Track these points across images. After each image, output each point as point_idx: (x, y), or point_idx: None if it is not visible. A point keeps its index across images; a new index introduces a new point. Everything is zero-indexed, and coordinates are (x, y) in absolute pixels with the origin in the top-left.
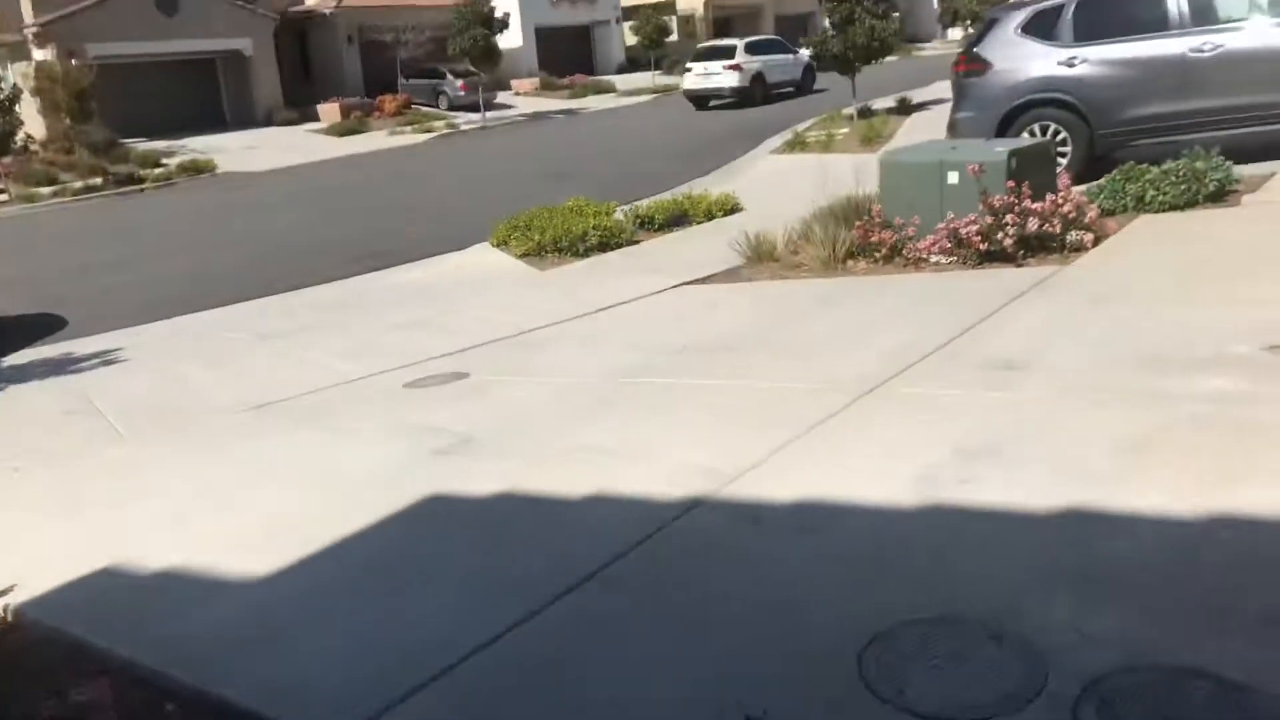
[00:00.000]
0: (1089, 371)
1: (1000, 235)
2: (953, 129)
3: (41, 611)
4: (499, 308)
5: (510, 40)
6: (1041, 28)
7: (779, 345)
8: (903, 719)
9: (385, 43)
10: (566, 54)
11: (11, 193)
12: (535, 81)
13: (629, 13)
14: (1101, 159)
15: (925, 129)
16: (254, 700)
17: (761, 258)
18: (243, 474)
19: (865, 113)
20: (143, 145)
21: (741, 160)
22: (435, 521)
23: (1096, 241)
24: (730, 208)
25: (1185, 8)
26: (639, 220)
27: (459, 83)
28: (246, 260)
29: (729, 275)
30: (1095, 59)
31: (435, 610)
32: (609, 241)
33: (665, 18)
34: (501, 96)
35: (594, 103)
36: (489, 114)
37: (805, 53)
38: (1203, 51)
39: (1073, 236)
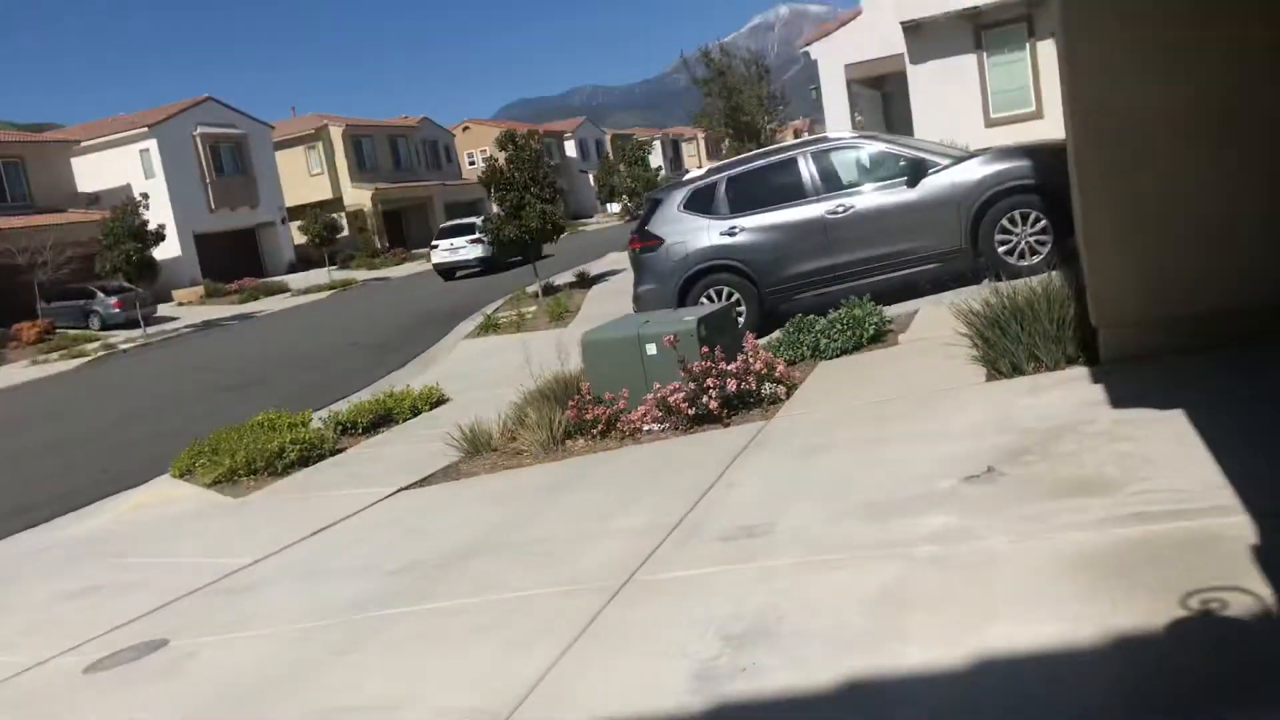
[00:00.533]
0: (823, 528)
1: (705, 399)
2: (638, 302)
3: None
4: (194, 549)
5: (168, 250)
6: (700, 203)
7: (518, 546)
8: None
9: (17, 266)
10: (232, 258)
11: None
12: (199, 290)
13: (294, 212)
14: (772, 314)
15: (607, 300)
16: None
17: (479, 449)
18: None
19: (549, 289)
20: None
21: (436, 348)
22: None
23: (789, 392)
24: (436, 399)
25: (818, 177)
26: (340, 426)
27: (112, 300)
28: None
29: (448, 473)
30: (752, 227)
31: None
32: (310, 455)
33: (333, 214)
34: (164, 308)
35: (269, 304)
36: (150, 329)
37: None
38: (838, 213)
39: (768, 389)
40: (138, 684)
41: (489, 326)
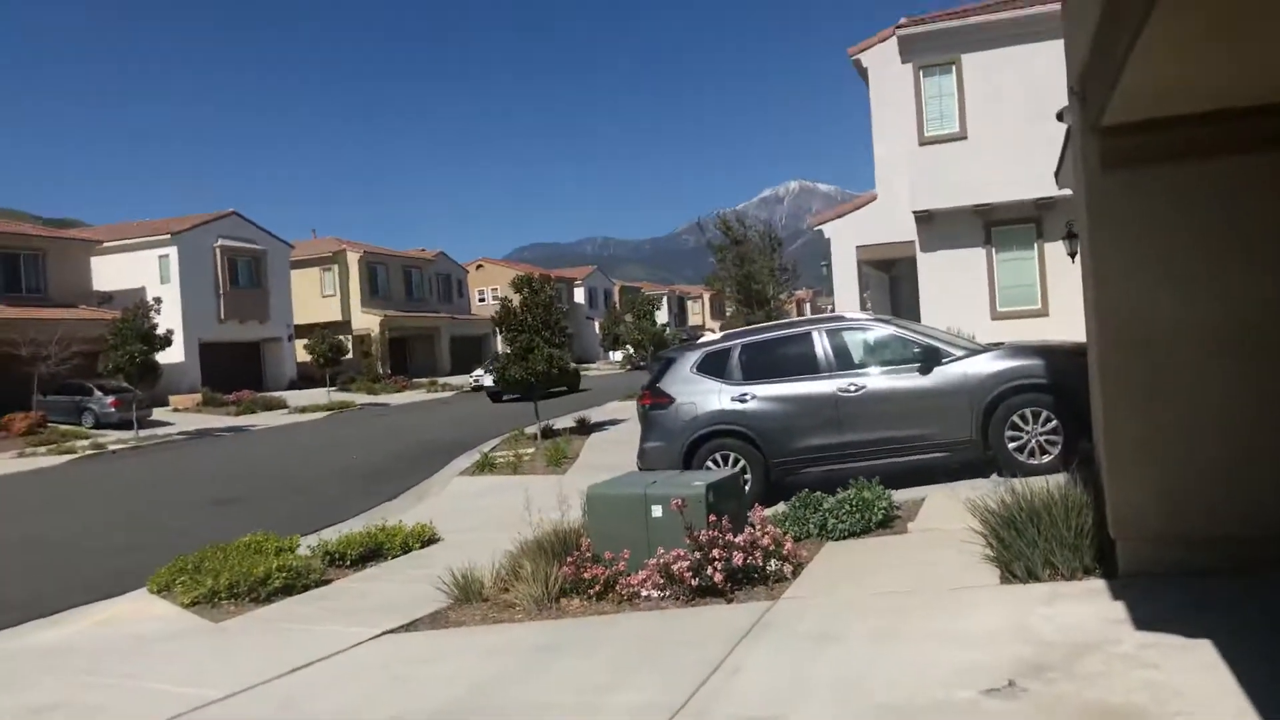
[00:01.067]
0: None
1: (710, 570)
2: (643, 458)
3: None
4: (164, 675)
5: (172, 355)
6: (714, 366)
7: (510, 712)
8: None
9: (19, 356)
10: (233, 369)
11: None
12: (197, 397)
13: (302, 330)
14: (777, 484)
15: (607, 450)
16: None
17: (470, 597)
18: None
19: (548, 432)
20: None
21: (431, 482)
22: None
23: (795, 570)
24: (428, 538)
25: (832, 354)
26: (329, 556)
27: (109, 399)
28: None
29: (436, 619)
30: (764, 395)
31: None
32: (295, 583)
33: (340, 336)
34: (159, 413)
35: (265, 419)
36: (143, 432)
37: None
38: (850, 391)
39: (774, 566)
40: None
41: (485, 465)
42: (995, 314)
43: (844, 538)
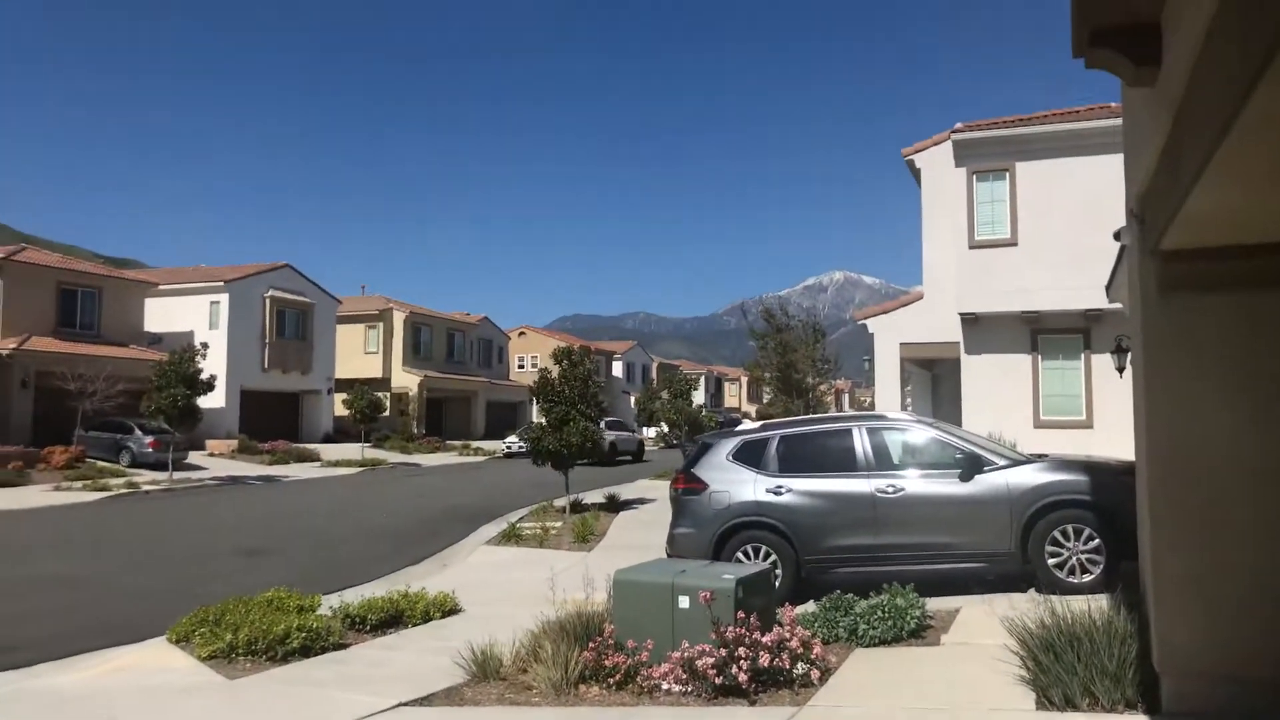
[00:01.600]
0: None
1: (734, 669)
2: (672, 543)
3: None
4: None
5: (213, 400)
6: (750, 456)
7: None
8: None
9: (67, 390)
10: (272, 418)
11: None
12: (233, 443)
13: (342, 384)
14: (808, 581)
15: (635, 529)
16: None
17: (488, 675)
18: None
19: (577, 506)
20: None
21: (457, 549)
22: None
23: (823, 676)
24: (449, 608)
25: (871, 453)
26: (349, 619)
27: (148, 439)
28: None
29: (451, 696)
30: (799, 489)
31: None
32: (314, 645)
33: (379, 394)
34: (194, 456)
35: (297, 470)
36: (177, 474)
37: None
38: (887, 493)
39: (800, 669)
40: None
41: (512, 535)
42: (1039, 422)
43: (874, 645)
